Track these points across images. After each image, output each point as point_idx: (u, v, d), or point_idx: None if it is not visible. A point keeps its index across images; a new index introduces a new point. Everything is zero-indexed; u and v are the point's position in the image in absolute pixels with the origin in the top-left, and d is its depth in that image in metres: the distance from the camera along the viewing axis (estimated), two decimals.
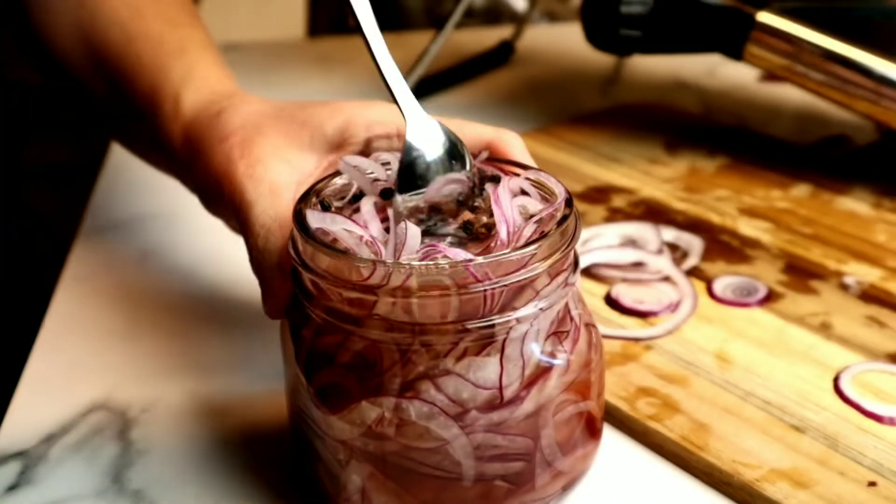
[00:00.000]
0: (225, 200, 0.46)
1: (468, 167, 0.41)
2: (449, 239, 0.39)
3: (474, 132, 0.45)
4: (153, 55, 0.55)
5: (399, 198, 0.39)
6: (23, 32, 0.64)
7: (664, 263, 0.59)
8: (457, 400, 0.37)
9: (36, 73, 0.66)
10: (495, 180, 0.41)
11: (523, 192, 0.41)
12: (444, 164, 0.40)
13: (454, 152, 0.41)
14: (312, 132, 0.46)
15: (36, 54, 0.64)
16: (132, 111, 0.56)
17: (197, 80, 0.53)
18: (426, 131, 0.41)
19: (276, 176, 0.45)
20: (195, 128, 0.50)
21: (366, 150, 0.46)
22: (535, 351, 0.38)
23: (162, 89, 0.53)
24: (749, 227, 0.65)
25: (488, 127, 0.46)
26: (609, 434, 0.47)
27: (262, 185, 0.44)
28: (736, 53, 0.71)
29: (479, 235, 0.39)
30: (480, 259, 0.36)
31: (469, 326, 0.36)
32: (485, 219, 0.40)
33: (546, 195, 0.41)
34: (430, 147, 0.41)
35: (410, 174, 0.40)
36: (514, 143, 0.45)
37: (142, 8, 0.58)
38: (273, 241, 0.42)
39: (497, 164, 0.43)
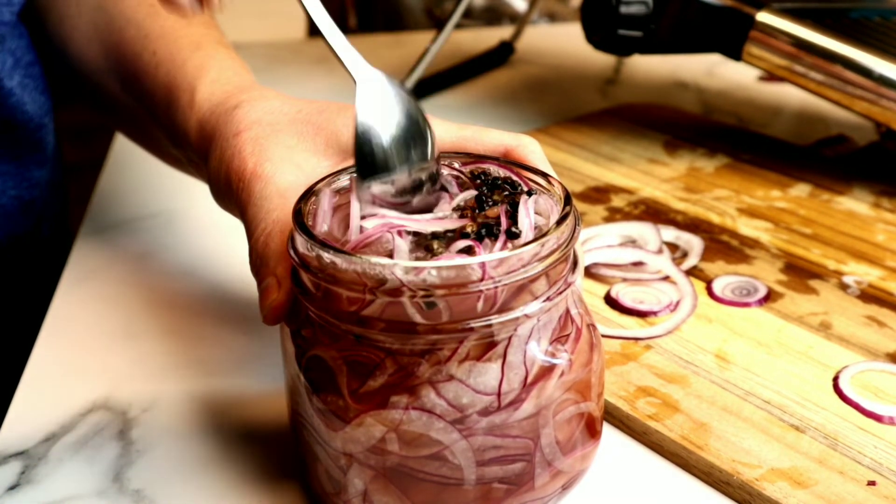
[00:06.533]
0: (233, 196, 0.46)
1: (430, 146, 0.40)
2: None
3: (494, 138, 0.45)
4: (169, 50, 0.55)
5: (364, 185, 0.39)
6: (39, 38, 0.64)
7: (664, 263, 0.59)
8: (456, 405, 0.37)
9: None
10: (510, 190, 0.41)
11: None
12: (401, 146, 0.39)
13: (413, 128, 0.40)
14: (327, 138, 0.46)
15: (51, 58, 0.65)
16: (148, 108, 0.56)
17: (213, 73, 0.53)
18: (380, 99, 0.39)
19: (283, 177, 0.44)
20: (211, 120, 0.50)
21: None
22: (536, 351, 0.38)
23: (178, 83, 0.53)
24: (748, 227, 0.65)
25: (508, 133, 0.46)
26: (609, 433, 0.47)
27: (269, 185, 0.44)
28: (735, 53, 0.71)
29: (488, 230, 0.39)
30: (481, 258, 0.36)
31: (470, 326, 0.36)
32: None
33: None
34: (385, 119, 0.39)
35: (369, 164, 0.39)
36: (533, 150, 0.45)
37: (157, 7, 0.59)
38: (273, 245, 0.42)
39: (514, 168, 0.43)
